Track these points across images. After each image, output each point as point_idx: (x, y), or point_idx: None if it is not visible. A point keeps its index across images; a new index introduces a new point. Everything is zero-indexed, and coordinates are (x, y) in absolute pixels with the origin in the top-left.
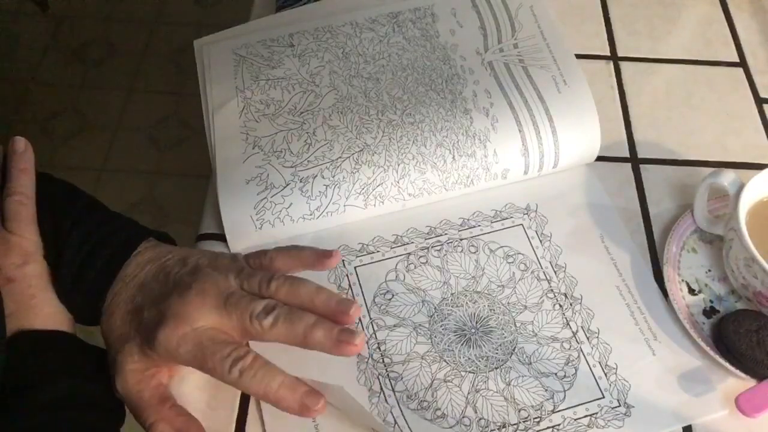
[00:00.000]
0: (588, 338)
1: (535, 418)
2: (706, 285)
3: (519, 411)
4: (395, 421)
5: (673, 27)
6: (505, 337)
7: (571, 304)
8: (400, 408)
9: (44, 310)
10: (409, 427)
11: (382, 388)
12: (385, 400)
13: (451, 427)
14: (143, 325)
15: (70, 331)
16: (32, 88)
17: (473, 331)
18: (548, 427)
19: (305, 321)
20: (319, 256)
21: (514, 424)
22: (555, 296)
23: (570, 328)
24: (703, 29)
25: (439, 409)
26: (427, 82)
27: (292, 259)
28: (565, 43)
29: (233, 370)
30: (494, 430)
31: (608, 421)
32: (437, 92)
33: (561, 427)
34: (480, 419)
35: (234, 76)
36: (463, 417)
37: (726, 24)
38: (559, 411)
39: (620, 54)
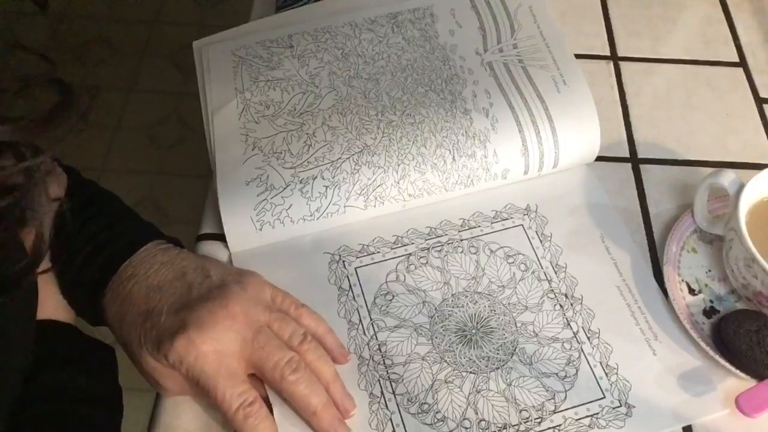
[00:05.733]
0: (589, 338)
1: (537, 418)
2: (706, 285)
3: (520, 411)
4: (394, 430)
5: (673, 27)
6: (505, 338)
7: (571, 305)
8: (400, 414)
9: (45, 304)
10: None
11: (382, 392)
12: (386, 405)
13: (451, 431)
14: (158, 330)
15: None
16: (32, 88)
17: (474, 331)
18: (549, 428)
19: (321, 398)
20: (337, 348)
21: (515, 425)
22: (555, 296)
23: (571, 328)
24: (703, 29)
25: (440, 411)
26: (427, 82)
27: (317, 327)
28: (564, 44)
29: (239, 412)
30: (495, 431)
31: (609, 421)
32: (437, 93)
33: (562, 427)
34: (481, 421)
35: (233, 77)
36: (464, 419)
37: (726, 24)
38: (560, 411)
39: (620, 54)
